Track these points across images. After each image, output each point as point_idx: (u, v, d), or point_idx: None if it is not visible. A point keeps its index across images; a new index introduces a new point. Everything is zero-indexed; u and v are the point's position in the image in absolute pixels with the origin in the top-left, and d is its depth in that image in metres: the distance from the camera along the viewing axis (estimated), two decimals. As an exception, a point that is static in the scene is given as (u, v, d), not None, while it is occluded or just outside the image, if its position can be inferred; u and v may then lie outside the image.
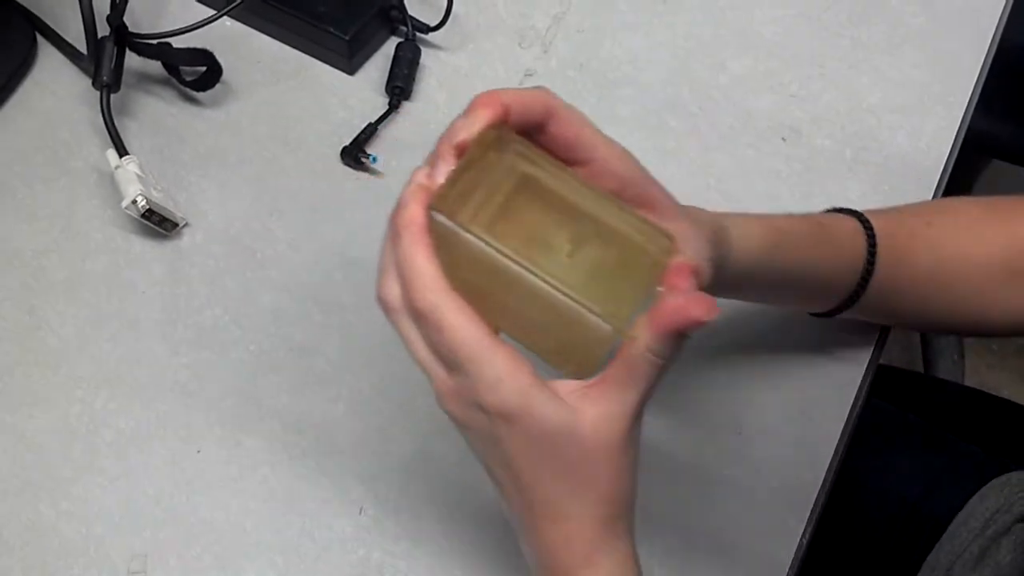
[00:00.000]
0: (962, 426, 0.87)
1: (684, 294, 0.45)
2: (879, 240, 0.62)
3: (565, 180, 0.46)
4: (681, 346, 0.45)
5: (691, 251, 0.50)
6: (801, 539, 0.63)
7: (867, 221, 0.62)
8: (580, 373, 0.46)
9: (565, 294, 0.43)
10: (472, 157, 0.45)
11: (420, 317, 0.44)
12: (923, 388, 0.99)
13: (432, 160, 0.46)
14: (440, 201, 0.44)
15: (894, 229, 0.63)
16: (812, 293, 0.63)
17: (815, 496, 0.65)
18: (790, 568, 0.62)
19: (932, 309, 0.66)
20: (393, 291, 0.46)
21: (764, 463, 0.65)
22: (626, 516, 0.49)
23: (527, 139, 0.47)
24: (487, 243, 0.44)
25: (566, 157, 0.48)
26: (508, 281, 0.44)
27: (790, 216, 0.60)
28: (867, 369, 0.69)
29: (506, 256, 0.44)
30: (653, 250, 0.45)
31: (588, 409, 0.45)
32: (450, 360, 0.45)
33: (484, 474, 0.50)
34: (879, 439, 0.82)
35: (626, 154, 0.50)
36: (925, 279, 0.64)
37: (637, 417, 0.47)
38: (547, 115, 0.47)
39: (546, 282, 0.44)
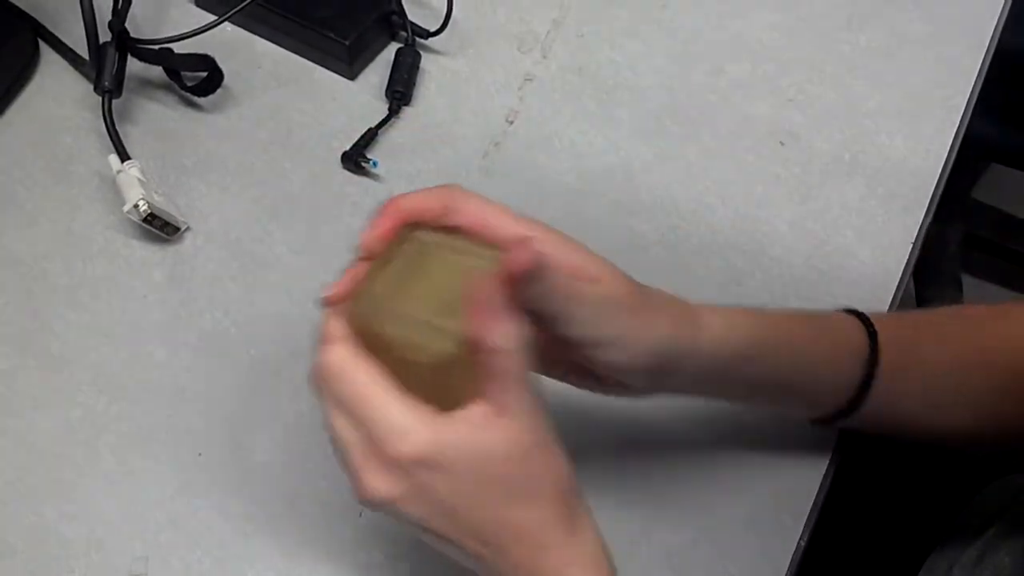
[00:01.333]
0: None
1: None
2: (883, 342, 0.59)
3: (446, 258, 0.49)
4: (509, 327, 0.46)
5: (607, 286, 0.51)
6: (799, 541, 0.63)
7: (870, 322, 0.60)
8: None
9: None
10: (386, 252, 0.49)
11: (327, 376, 0.47)
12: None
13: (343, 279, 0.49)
14: (356, 297, 0.48)
15: (901, 333, 0.60)
16: (808, 394, 0.60)
17: (813, 498, 0.65)
18: (788, 569, 0.63)
19: (948, 410, 0.63)
20: (314, 378, 0.49)
21: (762, 464, 0.66)
22: (578, 506, 0.49)
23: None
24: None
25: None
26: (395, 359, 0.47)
27: (786, 310, 0.59)
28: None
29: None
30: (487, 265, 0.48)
31: (492, 425, 0.46)
32: (357, 415, 0.47)
33: (412, 535, 0.50)
34: (878, 440, 0.82)
35: (537, 235, 0.50)
36: (934, 383, 0.61)
37: (536, 410, 0.47)
38: (445, 211, 0.49)
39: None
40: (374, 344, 0.47)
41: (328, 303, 0.48)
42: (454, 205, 0.50)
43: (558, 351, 0.53)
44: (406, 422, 0.45)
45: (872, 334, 0.59)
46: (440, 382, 0.47)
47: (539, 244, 0.48)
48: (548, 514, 0.48)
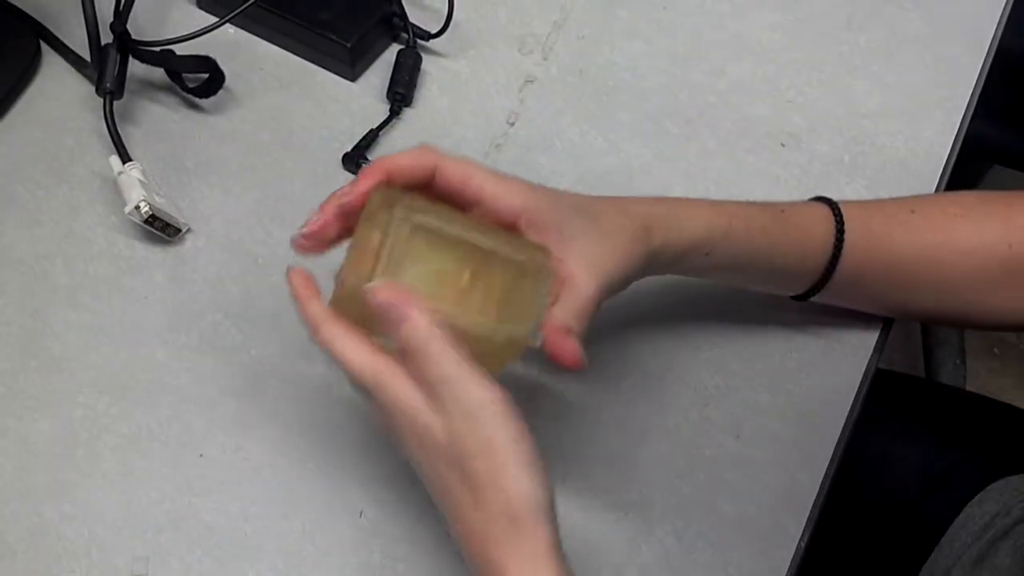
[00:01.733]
0: (962, 431, 0.87)
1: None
2: (850, 224, 0.62)
3: (451, 222, 0.52)
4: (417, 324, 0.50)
5: (595, 259, 0.54)
6: (799, 542, 0.63)
7: (837, 207, 0.63)
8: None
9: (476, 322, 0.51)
10: (366, 217, 0.51)
11: (325, 350, 0.52)
12: (924, 393, 0.99)
13: (314, 216, 0.54)
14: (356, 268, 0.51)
15: (870, 213, 0.64)
16: (773, 277, 0.64)
17: (813, 499, 0.65)
18: (787, 571, 0.63)
19: (912, 297, 0.66)
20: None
21: (762, 466, 0.66)
22: (531, 525, 0.49)
23: (421, 193, 0.53)
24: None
25: (459, 202, 0.54)
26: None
27: (748, 203, 0.61)
28: (865, 373, 0.69)
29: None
30: (532, 266, 0.52)
31: (428, 412, 0.50)
32: (351, 378, 0.52)
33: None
34: (877, 443, 0.82)
35: (517, 187, 0.54)
36: (904, 264, 0.64)
37: (478, 419, 0.49)
38: (429, 171, 0.53)
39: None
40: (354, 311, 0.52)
41: (300, 247, 0.54)
42: (438, 167, 0.53)
43: None
44: (385, 375, 0.50)
45: (838, 218, 0.62)
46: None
47: (510, 199, 0.53)
48: (491, 524, 0.49)
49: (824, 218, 0.63)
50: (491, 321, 0.51)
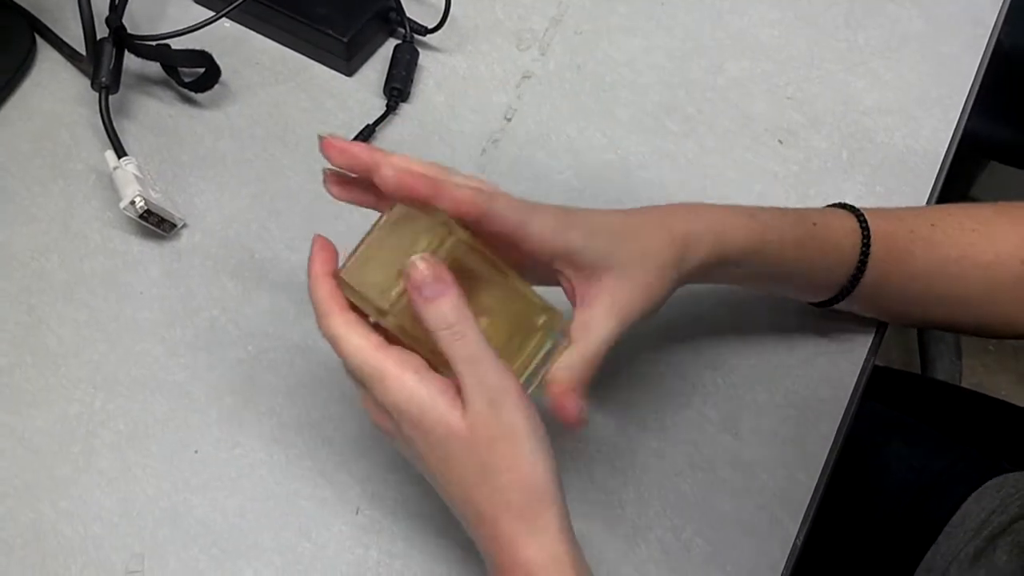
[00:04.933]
0: (958, 427, 0.87)
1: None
2: (875, 238, 0.62)
3: (491, 262, 0.53)
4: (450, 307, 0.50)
5: (622, 301, 0.54)
6: (795, 540, 0.63)
7: (864, 219, 0.63)
8: None
9: None
10: (408, 221, 0.53)
11: (328, 340, 0.52)
12: (920, 389, 0.99)
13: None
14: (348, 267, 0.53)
15: (894, 228, 0.64)
16: (801, 288, 0.65)
17: (810, 497, 0.65)
18: (784, 568, 0.63)
19: (930, 309, 0.67)
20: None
21: (759, 464, 0.66)
22: (544, 505, 0.51)
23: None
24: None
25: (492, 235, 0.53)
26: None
27: (782, 214, 0.61)
28: (862, 370, 0.69)
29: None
30: (544, 326, 0.54)
31: (454, 410, 0.50)
32: (349, 369, 0.52)
33: None
34: (874, 440, 0.82)
35: (553, 230, 0.53)
36: (923, 278, 0.64)
37: (501, 402, 0.50)
38: (481, 217, 0.52)
39: None
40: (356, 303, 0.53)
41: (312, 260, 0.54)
42: (490, 214, 0.52)
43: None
44: (384, 369, 0.50)
45: (865, 231, 0.62)
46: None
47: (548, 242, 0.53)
48: (504, 506, 0.50)
49: (852, 231, 0.62)
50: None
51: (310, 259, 0.53)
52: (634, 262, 0.54)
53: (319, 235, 0.54)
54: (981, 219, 0.66)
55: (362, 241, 0.53)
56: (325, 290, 0.52)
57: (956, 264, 0.64)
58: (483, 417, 0.49)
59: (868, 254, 0.62)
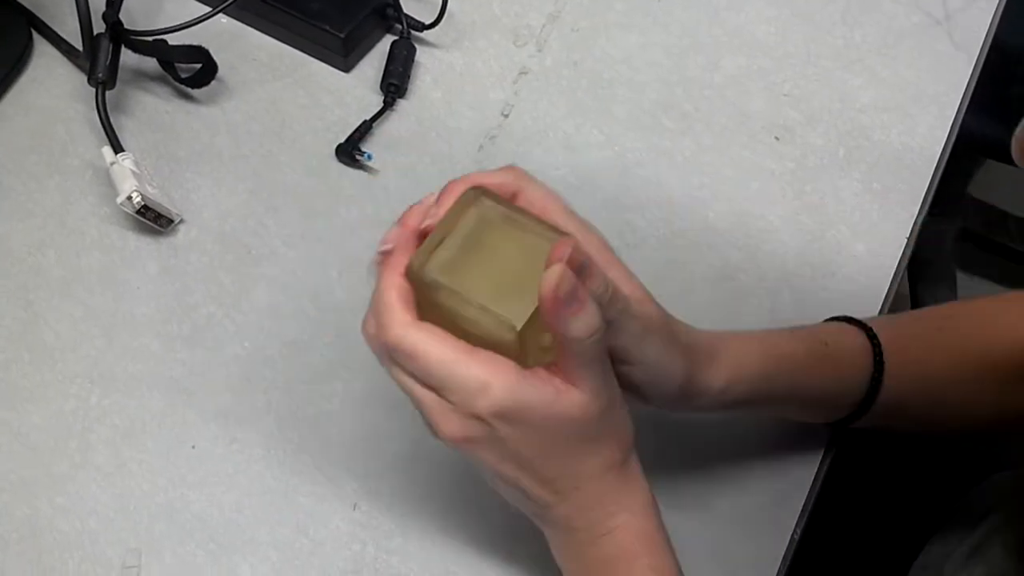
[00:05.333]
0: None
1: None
2: (887, 352, 0.61)
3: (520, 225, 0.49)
4: (586, 317, 0.46)
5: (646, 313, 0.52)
6: (792, 536, 0.64)
7: (873, 333, 0.62)
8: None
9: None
10: (452, 213, 0.48)
11: (393, 351, 0.47)
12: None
13: (392, 232, 0.50)
14: (418, 253, 0.48)
15: (904, 341, 0.63)
16: (815, 411, 0.63)
17: (807, 493, 0.65)
18: (781, 565, 0.63)
19: (950, 413, 0.66)
20: (370, 330, 0.49)
21: (756, 460, 0.66)
22: (632, 459, 0.52)
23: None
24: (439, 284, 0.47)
25: None
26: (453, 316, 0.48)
27: (792, 334, 0.60)
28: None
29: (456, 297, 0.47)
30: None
31: (566, 393, 0.48)
32: (432, 383, 0.47)
33: (478, 470, 0.51)
34: (871, 437, 0.82)
35: (586, 237, 0.51)
36: (939, 383, 0.64)
37: (607, 377, 0.49)
38: (510, 193, 0.51)
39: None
40: (431, 301, 0.48)
41: (384, 261, 0.49)
42: (522, 193, 0.51)
43: None
44: (484, 377, 0.46)
45: (876, 349, 0.61)
46: (494, 348, 0.47)
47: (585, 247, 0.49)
48: (606, 466, 0.50)
49: (863, 349, 0.61)
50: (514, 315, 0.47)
51: (387, 255, 0.49)
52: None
53: (406, 221, 0.50)
54: (988, 314, 0.66)
55: (439, 232, 0.48)
56: (400, 293, 0.48)
57: (970, 362, 0.64)
58: (596, 392, 0.48)
59: (883, 368, 0.61)
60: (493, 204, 0.49)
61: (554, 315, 0.45)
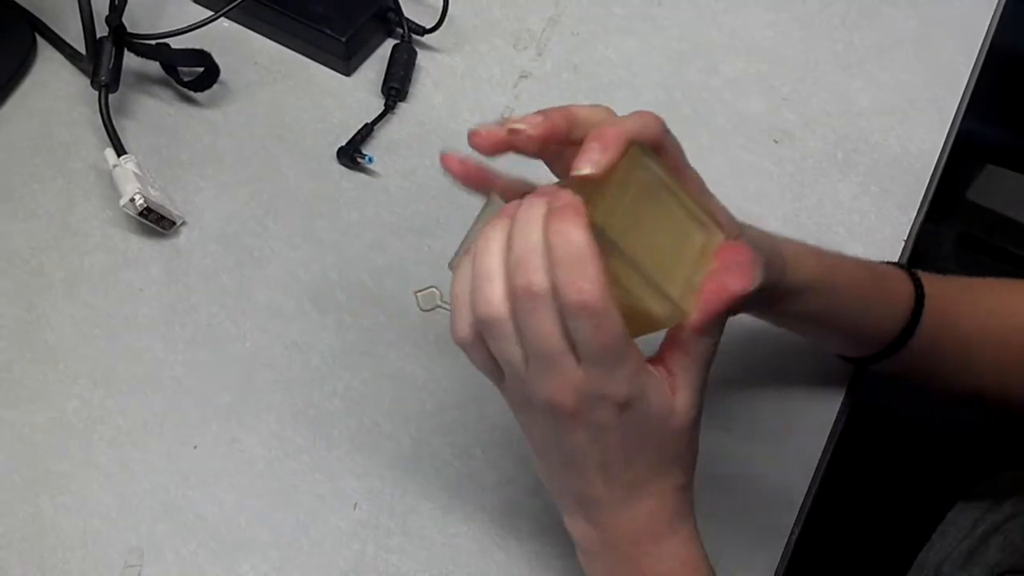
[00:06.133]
0: (953, 426, 0.87)
1: (722, 273, 0.48)
2: (928, 294, 0.62)
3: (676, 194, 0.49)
4: (722, 324, 0.49)
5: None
6: (789, 537, 0.64)
7: (915, 273, 0.63)
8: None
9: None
10: (620, 172, 0.46)
11: (581, 308, 0.43)
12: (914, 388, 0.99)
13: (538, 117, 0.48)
14: (597, 207, 0.45)
15: (944, 286, 0.64)
16: (856, 335, 0.63)
17: (804, 494, 0.65)
18: (778, 566, 0.63)
19: (979, 375, 0.66)
20: (538, 277, 0.44)
21: (753, 461, 0.66)
22: (692, 483, 0.53)
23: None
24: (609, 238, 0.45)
25: None
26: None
27: (844, 256, 0.61)
28: (856, 368, 0.69)
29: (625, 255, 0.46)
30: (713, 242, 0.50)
31: (666, 392, 0.48)
32: (595, 353, 0.45)
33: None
34: (868, 438, 0.82)
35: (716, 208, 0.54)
36: (975, 339, 0.64)
37: (700, 396, 0.50)
38: (659, 148, 0.49)
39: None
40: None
41: (565, 203, 0.45)
42: (663, 139, 0.50)
43: None
44: (636, 368, 0.46)
45: (920, 290, 0.62)
46: (630, 313, 0.46)
47: None
48: (675, 485, 0.51)
49: (905, 281, 0.63)
50: (675, 293, 0.47)
51: (560, 193, 0.45)
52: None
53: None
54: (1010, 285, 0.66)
55: (608, 185, 0.46)
56: (592, 245, 0.44)
57: (1009, 330, 0.64)
58: (695, 403, 0.49)
59: (923, 303, 0.62)
60: (656, 169, 0.48)
61: (704, 314, 0.47)
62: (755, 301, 0.53)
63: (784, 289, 0.55)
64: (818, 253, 0.59)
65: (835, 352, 0.67)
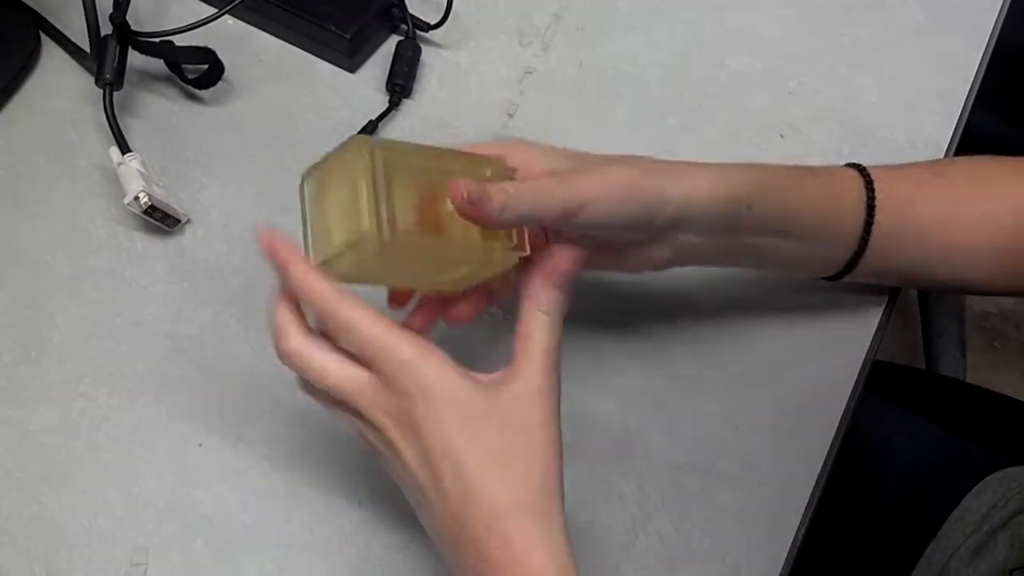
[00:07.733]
0: (961, 422, 0.87)
1: (553, 255, 0.51)
2: (879, 188, 0.61)
3: (420, 154, 0.53)
4: (560, 300, 0.51)
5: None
6: (796, 533, 0.64)
7: (863, 168, 0.62)
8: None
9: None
10: (341, 174, 0.52)
11: (336, 328, 0.51)
12: (923, 383, 0.99)
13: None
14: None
15: (899, 178, 0.63)
16: (811, 245, 0.62)
17: (811, 491, 0.65)
18: (785, 562, 0.63)
19: (944, 262, 0.65)
20: (292, 333, 0.53)
21: (760, 457, 0.66)
22: (554, 499, 0.49)
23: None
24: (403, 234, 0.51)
25: None
26: (423, 254, 0.53)
27: (783, 165, 0.61)
28: (863, 364, 0.69)
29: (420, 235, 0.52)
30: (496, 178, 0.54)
31: (505, 387, 0.49)
32: (366, 355, 0.49)
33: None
34: (876, 434, 0.82)
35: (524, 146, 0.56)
36: (934, 228, 0.63)
37: (550, 388, 0.49)
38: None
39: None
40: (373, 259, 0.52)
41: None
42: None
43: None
44: (413, 354, 0.49)
45: (870, 189, 0.61)
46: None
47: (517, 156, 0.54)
48: (513, 501, 0.48)
49: (854, 178, 0.62)
50: (479, 240, 0.52)
51: (276, 256, 0.53)
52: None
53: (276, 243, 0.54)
54: (988, 169, 0.65)
55: (306, 226, 0.54)
56: (320, 283, 0.52)
57: (965, 213, 0.63)
58: (526, 407, 0.49)
59: (874, 198, 0.61)
60: (373, 158, 0.51)
61: (474, 211, 0.49)
62: (692, 243, 0.57)
63: (707, 202, 0.56)
64: (748, 166, 0.59)
65: (808, 273, 0.67)
